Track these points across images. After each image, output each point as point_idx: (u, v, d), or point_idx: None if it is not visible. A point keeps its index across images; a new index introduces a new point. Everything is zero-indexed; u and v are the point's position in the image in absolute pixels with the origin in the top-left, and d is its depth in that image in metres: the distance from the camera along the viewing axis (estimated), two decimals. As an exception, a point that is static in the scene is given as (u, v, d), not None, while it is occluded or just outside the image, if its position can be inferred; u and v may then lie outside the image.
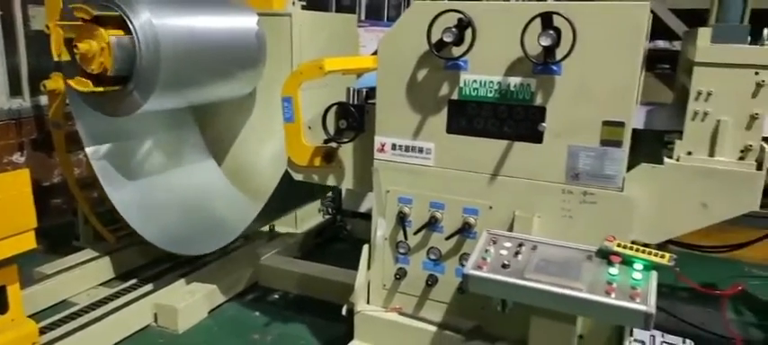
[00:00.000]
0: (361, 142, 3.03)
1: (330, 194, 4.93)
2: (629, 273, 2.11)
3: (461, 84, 2.63)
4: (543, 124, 2.50)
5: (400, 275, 2.93)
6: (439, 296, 2.89)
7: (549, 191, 2.57)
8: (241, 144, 4.59)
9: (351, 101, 3.11)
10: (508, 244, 2.35)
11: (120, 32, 3.38)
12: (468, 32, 2.49)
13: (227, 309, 3.89)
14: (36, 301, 3.66)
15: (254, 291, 4.13)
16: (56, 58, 3.50)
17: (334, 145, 3.09)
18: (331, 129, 3.05)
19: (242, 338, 3.56)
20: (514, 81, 2.53)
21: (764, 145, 2.38)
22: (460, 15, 2.47)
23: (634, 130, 2.46)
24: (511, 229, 2.62)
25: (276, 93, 3.19)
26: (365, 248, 3.04)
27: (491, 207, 2.69)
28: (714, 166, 2.40)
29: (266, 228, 4.64)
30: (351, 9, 8.86)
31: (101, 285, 4.06)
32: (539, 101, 2.51)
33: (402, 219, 2.85)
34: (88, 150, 3.97)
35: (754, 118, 2.34)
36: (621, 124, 2.40)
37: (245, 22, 4.13)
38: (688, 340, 2.72)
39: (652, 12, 2.58)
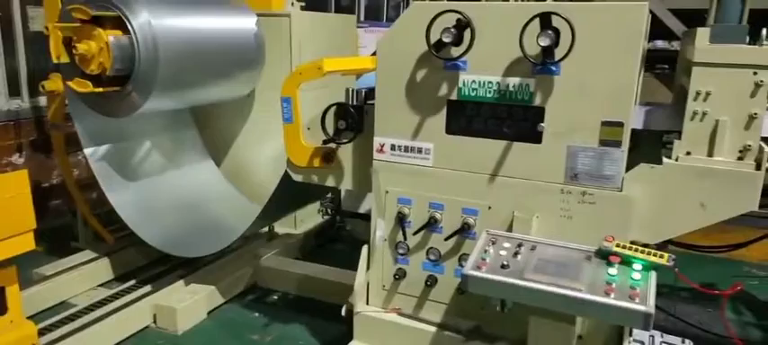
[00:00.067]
0: (360, 142, 3.03)
1: (329, 195, 4.93)
2: (628, 273, 2.11)
3: (460, 85, 2.63)
4: (542, 124, 2.50)
5: (399, 275, 2.93)
6: (438, 296, 2.89)
7: (548, 191, 2.57)
8: (240, 145, 4.60)
9: (350, 102, 3.11)
10: (507, 245, 2.35)
11: (119, 33, 3.38)
12: (467, 33, 2.49)
13: (226, 310, 3.89)
14: (35, 302, 3.66)
15: (254, 292, 4.13)
16: (55, 61, 3.50)
17: (333, 145, 3.09)
18: (330, 130, 3.05)
19: (241, 339, 3.56)
20: (513, 81, 2.53)
21: (763, 144, 2.38)
22: (459, 16, 2.47)
23: (633, 130, 2.47)
24: (510, 229, 2.62)
25: (275, 94, 3.19)
26: (364, 249, 3.03)
27: (490, 208, 2.69)
28: (713, 166, 2.40)
29: (265, 229, 4.64)
30: (350, 9, 8.87)
31: (100, 286, 4.06)
32: (538, 101, 2.51)
33: (401, 220, 2.85)
34: (87, 151, 3.97)
35: (752, 118, 2.34)
36: (620, 124, 2.40)
37: (243, 23, 4.13)
38: (687, 340, 2.72)
39: (651, 12, 2.58)
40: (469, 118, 2.65)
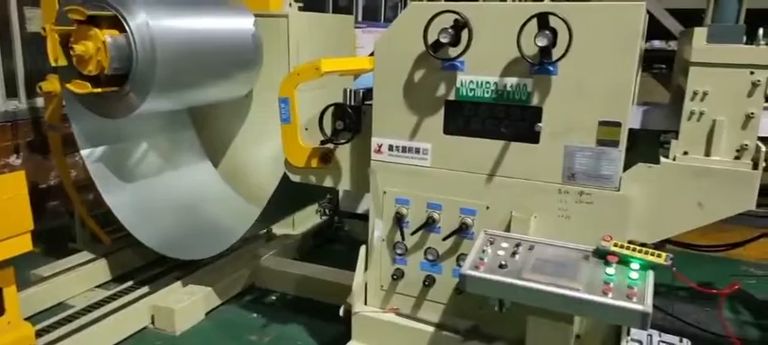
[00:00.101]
0: (358, 143, 3.03)
1: (328, 195, 4.93)
2: (625, 273, 2.11)
3: (458, 85, 2.64)
4: (540, 124, 2.50)
5: (397, 276, 2.93)
6: (436, 296, 2.89)
7: (545, 191, 2.58)
8: (238, 145, 4.59)
9: (348, 102, 3.11)
10: (505, 245, 2.35)
11: (116, 32, 3.38)
12: (465, 33, 2.49)
13: (224, 311, 3.88)
14: (33, 303, 3.66)
15: (252, 292, 4.13)
16: (53, 64, 3.49)
17: (331, 146, 3.09)
18: (328, 130, 3.05)
19: (239, 339, 3.55)
20: (511, 81, 2.53)
21: (760, 144, 2.39)
22: (457, 16, 2.47)
23: (630, 130, 2.47)
24: (508, 229, 2.62)
25: (273, 95, 3.19)
26: (362, 249, 3.04)
27: (488, 208, 2.69)
28: (710, 166, 2.41)
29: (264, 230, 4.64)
30: (348, 10, 8.87)
31: (97, 287, 4.06)
32: (535, 101, 2.51)
33: (399, 220, 2.85)
34: (83, 152, 3.97)
35: (749, 117, 2.35)
36: (618, 124, 2.40)
37: (241, 24, 4.13)
38: (685, 339, 2.72)
39: (648, 12, 2.58)
40: (467, 118, 2.65)
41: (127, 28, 3.35)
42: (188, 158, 4.55)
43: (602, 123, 2.42)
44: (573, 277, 2.09)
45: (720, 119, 2.37)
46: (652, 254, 2.13)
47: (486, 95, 2.59)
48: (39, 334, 3.11)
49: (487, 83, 2.58)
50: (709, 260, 4.32)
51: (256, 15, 4.20)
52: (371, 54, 2.87)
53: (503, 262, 2.20)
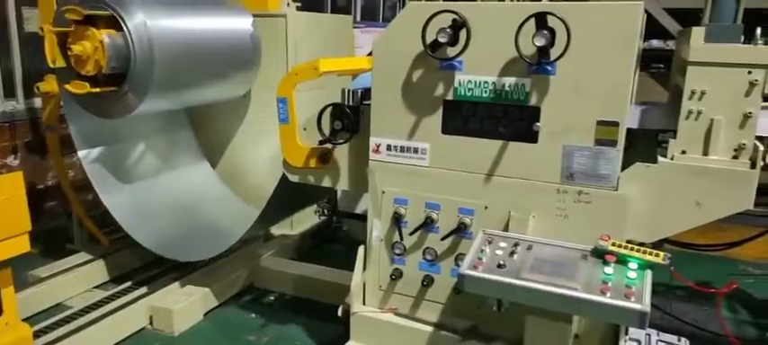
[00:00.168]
0: (356, 143, 3.03)
1: (326, 196, 4.93)
2: (624, 272, 2.12)
3: (456, 85, 2.64)
4: (538, 124, 2.50)
5: (396, 276, 2.93)
6: (435, 296, 2.89)
7: (544, 191, 2.58)
8: (236, 146, 4.58)
9: (346, 102, 3.11)
10: (504, 244, 2.35)
11: (113, 31, 3.37)
12: (463, 33, 2.49)
13: (223, 311, 3.88)
14: (30, 304, 3.65)
15: (251, 293, 4.12)
16: (51, 65, 3.49)
17: (329, 146, 3.09)
18: (326, 130, 3.05)
19: (238, 340, 3.55)
20: (509, 81, 2.53)
21: (758, 143, 2.39)
22: (455, 16, 2.47)
23: (629, 130, 2.47)
24: (506, 229, 2.62)
25: (271, 95, 3.18)
26: (361, 249, 3.03)
27: (486, 208, 2.69)
28: (708, 165, 2.41)
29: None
30: (346, 10, 8.86)
31: (96, 288, 4.05)
32: (533, 101, 2.51)
33: (397, 220, 2.85)
34: (80, 153, 3.95)
35: (747, 116, 2.35)
36: (616, 123, 2.40)
37: (239, 24, 4.12)
38: (683, 339, 2.73)
39: (646, 11, 2.58)
40: (465, 118, 2.65)
41: (125, 28, 3.34)
42: (185, 159, 4.54)
43: (600, 123, 2.42)
44: (571, 276, 2.09)
45: (718, 118, 2.38)
46: (650, 254, 2.13)
47: (484, 95, 2.60)
48: (37, 335, 3.11)
49: (486, 82, 2.58)
50: (707, 259, 4.33)
51: (254, 15, 4.19)
52: (370, 54, 2.87)
53: (501, 262, 2.20)
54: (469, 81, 2.61)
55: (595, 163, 2.47)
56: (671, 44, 5.49)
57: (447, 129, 2.70)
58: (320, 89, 3.66)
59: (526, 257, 2.25)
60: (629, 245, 2.20)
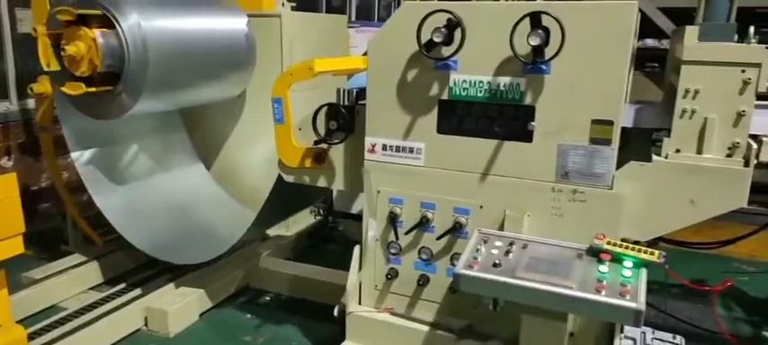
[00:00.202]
0: (351, 143, 3.02)
1: (322, 196, 4.93)
2: (618, 271, 2.12)
3: (451, 84, 2.64)
4: (533, 123, 2.51)
5: (392, 275, 2.93)
6: (430, 295, 2.89)
7: (539, 190, 2.58)
8: (231, 146, 4.57)
9: (341, 102, 3.10)
10: (499, 243, 2.35)
11: (106, 30, 3.36)
12: (458, 32, 2.49)
13: (218, 312, 3.87)
14: (25, 306, 3.63)
15: (246, 293, 4.11)
16: (45, 68, 3.47)
17: (324, 146, 3.09)
18: (321, 130, 3.05)
19: (234, 340, 3.54)
20: (504, 80, 2.54)
21: (751, 142, 2.41)
22: (450, 15, 2.47)
23: (623, 128, 2.48)
24: (502, 228, 2.62)
25: (266, 95, 3.18)
26: (356, 249, 3.03)
27: (482, 207, 2.69)
28: (702, 163, 2.42)
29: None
30: (341, 10, 8.86)
31: (90, 289, 4.03)
32: (528, 100, 2.51)
33: (393, 220, 2.85)
34: (74, 154, 3.93)
35: (740, 115, 2.36)
36: (610, 122, 2.41)
37: (234, 24, 4.11)
38: (678, 336, 2.73)
39: (640, 11, 2.59)
40: (460, 117, 2.66)
41: (118, 28, 3.33)
42: (180, 160, 4.53)
43: (594, 122, 2.43)
44: (566, 275, 2.10)
45: (712, 116, 2.39)
46: (645, 252, 2.14)
47: (479, 94, 2.60)
48: (31, 337, 3.09)
49: (480, 82, 2.58)
50: (702, 257, 4.35)
51: (249, 15, 4.18)
52: (365, 53, 2.87)
53: (496, 261, 2.21)
54: (464, 80, 2.61)
55: (590, 162, 2.48)
56: (665, 43, 5.50)
57: (442, 129, 2.70)
58: (315, 89, 3.65)
59: (521, 256, 2.25)
60: (624, 244, 2.20)
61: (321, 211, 5.01)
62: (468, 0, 2.60)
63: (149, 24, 3.41)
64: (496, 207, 2.66)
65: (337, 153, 3.09)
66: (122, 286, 3.90)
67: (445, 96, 2.67)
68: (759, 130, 2.46)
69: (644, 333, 2.68)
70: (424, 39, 2.53)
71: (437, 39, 2.49)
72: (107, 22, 3.36)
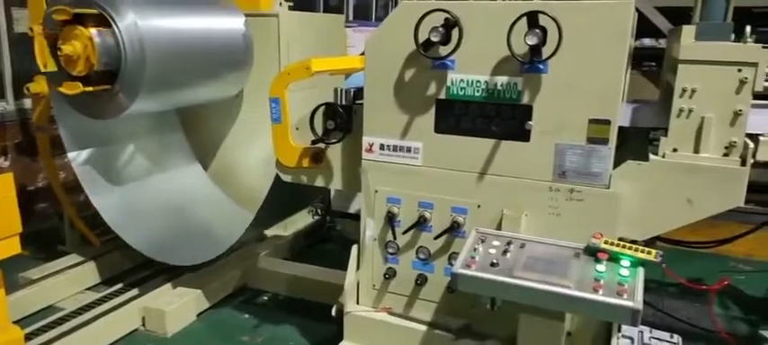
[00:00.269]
0: (349, 142, 3.02)
1: (319, 196, 4.92)
2: (616, 270, 2.12)
3: (449, 84, 2.64)
4: (530, 122, 2.51)
5: (389, 275, 2.93)
6: (428, 295, 2.89)
7: (536, 189, 2.58)
8: (228, 146, 4.56)
9: (338, 102, 3.10)
10: (497, 243, 2.35)
11: (102, 28, 3.35)
12: (455, 32, 2.50)
13: (216, 312, 3.86)
14: (22, 306, 3.62)
15: (244, 293, 4.11)
16: (42, 69, 3.46)
17: (322, 145, 3.09)
18: (319, 130, 3.04)
19: (231, 340, 3.54)
20: (501, 80, 2.54)
21: (748, 141, 2.41)
22: (447, 15, 2.47)
23: (620, 128, 2.48)
24: (499, 227, 2.63)
25: (264, 95, 3.17)
26: (354, 248, 3.03)
27: (479, 206, 2.69)
28: (699, 163, 2.42)
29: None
30: (338, 9, 8.85)
31: (87, 289, 4.02)
32: (525, 99, 2.52)
33: (391, 219, 2.85)
34: (70, 154, 3.92)
35: (737, 114, 2.37)
36: (608, 122, 2.41)
37: (231, 23, 4.10)
38: (676, 335, 2.74)
39: (637, 10, 2.60)
40: (458, 117, 2.66)
41: (115, 28, 3.32)
42: (177, 160, 4.52)
43: (592, 121, 2.43)
44: (564, 274, 2.10)
45: (709, 116, 2.39)
46: (642, 251, 2.14)
47: (476, 94, 2.60)
48: (28, 338, 3.09)
49: (478, 81, 2.58)
50: (699, 256, 4.36)
51: (247, 15, 4.18)
52: (362, 53, 2.86)
53: (494, 261, 2.21)
54: (462, 80, 2.61)
55: (587, 162, 2.48)
56: (662, 42, 5.51)
57: (440, 128, 2.70)
58: (312, 88, 3.65)
59: (519, 255, 2.25)
60: (621, 243, 2.21)
61: (319, 211, 5.01)
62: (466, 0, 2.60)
63: (146, 23, 3.40)
64: (494, 207, 2.66)
65: (335, 152, 3.09)
66: (119, 286, 3.90)
67: (443, 96, 2.67)
68: (756, 129, 2.46)
69: (641, 332, 2.69)
70: (421, 39, 2.53)
71: (434, 39, 2.49)
72: (103, 22, 3.35)
